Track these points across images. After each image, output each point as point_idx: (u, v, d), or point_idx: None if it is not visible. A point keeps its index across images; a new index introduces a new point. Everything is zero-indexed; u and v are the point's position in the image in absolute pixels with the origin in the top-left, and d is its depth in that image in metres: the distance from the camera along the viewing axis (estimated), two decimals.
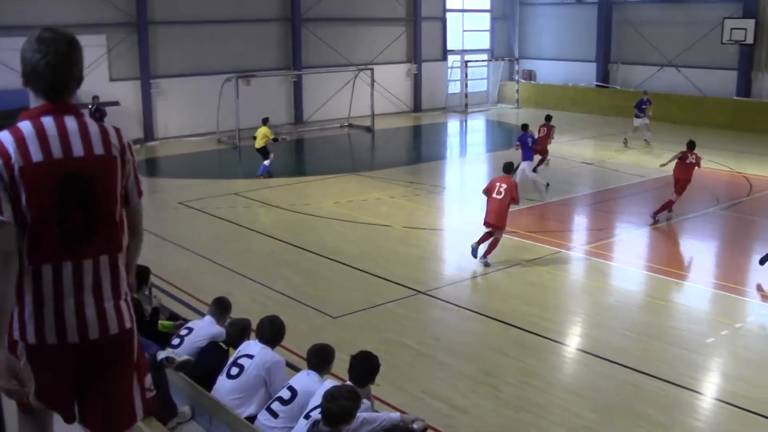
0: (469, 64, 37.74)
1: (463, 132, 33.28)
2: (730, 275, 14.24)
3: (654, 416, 8.93)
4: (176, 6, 28.33)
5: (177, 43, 28.51)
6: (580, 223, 18.56)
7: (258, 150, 22.16)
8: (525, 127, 20.22)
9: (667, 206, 17.24)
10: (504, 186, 13.97)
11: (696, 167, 17.17)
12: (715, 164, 23.68)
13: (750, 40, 31.41)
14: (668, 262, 15.04)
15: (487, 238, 14.26)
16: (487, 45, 40.03)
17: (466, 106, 37.04)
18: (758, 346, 11.03)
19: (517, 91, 38.65)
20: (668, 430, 8.69)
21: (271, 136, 21.94)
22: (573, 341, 11.38)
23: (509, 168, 14.80)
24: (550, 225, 17.49)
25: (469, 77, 37.72)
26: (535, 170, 20.69)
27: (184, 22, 28.50)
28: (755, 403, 9.20)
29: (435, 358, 10.51)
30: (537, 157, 21.27)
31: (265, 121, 22.32)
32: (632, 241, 16.39)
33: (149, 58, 27.78)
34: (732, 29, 31.64)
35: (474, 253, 14.24)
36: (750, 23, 31.28)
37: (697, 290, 13.44)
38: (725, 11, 32.11)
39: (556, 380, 10.05)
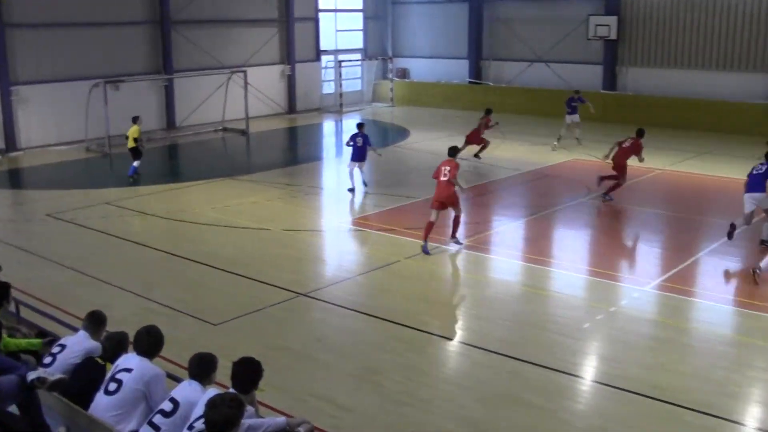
0: (342, 63, 37.83)
1: (339, 132, 33.30)
2: (604, 262, 14.78)
3: (537, 402, 9.15)
4: (36, 8, 27.09)
5: (39, 48, 27.24)
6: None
7: (130, 150, 21.68)
8: (360, 126, 20.45)
9: (616, 186, 18.84)
10: (448, 168, 15.04)
11: (634, 155, 18.72)
12: (587, 155, 24.57)
13: (614, 36, 32.82)
14: (544, 252, 15.47)
15: (429, 231, 14.96)
16: (360, 44, 40.19)
17: (341, 105, 37.08)
18: (632, 327, 11.48)
19: (392, 89, 38.98)
20: (552, 415, 8.92)
21: (137, 135, 21.58)
22: (455, 334, 11.53)
23: (453, 151, 15.65)
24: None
25: (343, 77, 37.81)
26: (477, 156, 23.91)
27: (45, 25, 27.27)
28: (630, 383, 9.58)
29: (318, 359, 10.45)
30: (474, 148, 23.94)
31: (135, 120, 21.81)
32: (508, 233, 16.78)
33: (7, 63, 26.46)
34: (597, 26, 32.97)
35: (425, 249, 14.87)
36: (613, 20, 32.68)
37: (572, 278, 13.85)
38: (590, 8, 33.44)
39: (440, 374, 10.16)
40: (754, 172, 15.07)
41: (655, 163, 22.47)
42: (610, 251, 15.56)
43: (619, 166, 18.69)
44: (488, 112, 24.58)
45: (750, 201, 14.95)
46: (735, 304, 12.61)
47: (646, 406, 9.11)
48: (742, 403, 9.38)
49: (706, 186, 21.47)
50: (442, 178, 15.06)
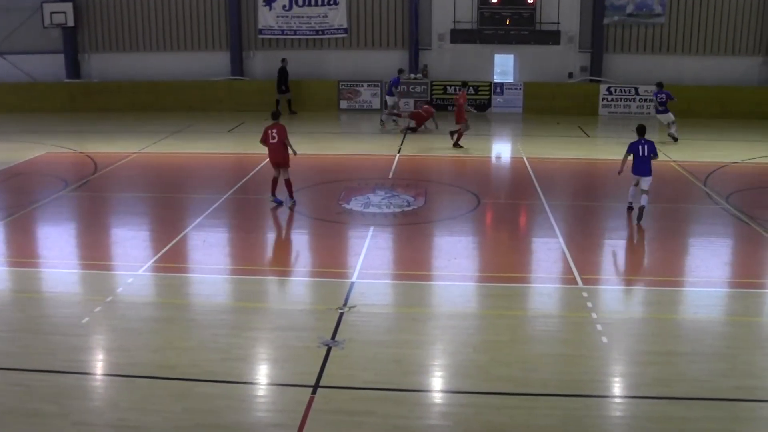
0: None
1: None
2: (93, 253, 14.46)
3: (50, 410, 8.67)
4: None
5: None
6: None
7: None
8: None
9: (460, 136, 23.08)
10: (275, 130, 16.68)
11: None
12: (59, 147, 23.67)
13: (71, 23, 31.83)
14: (28, 253, 14.57)
15: (275, 185, 16.89)
16: None
17: None
18: (132, 313, 11.46)
19: None
20: (65, 419, 8.54)
21: None
22: None
23: (276, 115, 17.24)
24: None
25: None
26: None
27: None
28: (140, 368, 9.61)
29: None
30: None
31: None
32: None
33: None
34: (52, 13, 31.63)
35: (277, 200, 16.99)
36: (68, 6, 31.69)
37: (63, 275, 13.31)
38: None
39: None
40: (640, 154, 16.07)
41: (122, 148, 22.62)
42: (98, 242, 15.24)
43: None
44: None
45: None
46: (271, 274, 13.39)
47: (159, 387, 9.23)
48: (248, 364, 10.03)
49: (183, 163, 22.27)
50: (271, 141, 16.63)
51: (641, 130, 16.42)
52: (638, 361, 10.04)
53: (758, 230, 15.79)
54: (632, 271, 13.67)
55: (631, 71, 30.38)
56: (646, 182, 16.15)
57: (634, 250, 14.90)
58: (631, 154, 16.18)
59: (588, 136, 25.51)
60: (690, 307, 12.13)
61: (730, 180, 20.30)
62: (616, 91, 30.04)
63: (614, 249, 15.12)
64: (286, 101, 30.32)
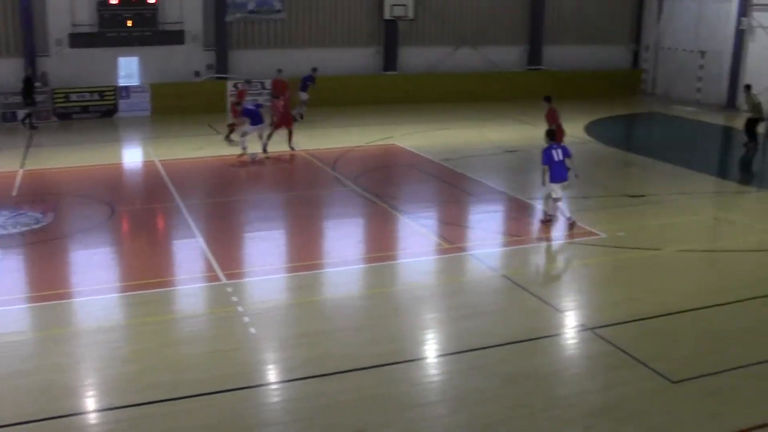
0: None
1: None
2: None
3: None
4: None
5: None
6: None
7: None
8: None
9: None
10: None
11: None
12: None
13: None
14: None
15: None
16: None
17: None
18: None
19: None
20: None
21: None
22: None
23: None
24: None
25: None
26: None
27: None
28: None
29: None
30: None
31: None
32: None
33: None
34: None
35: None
36: None
37: None
38: None
39: None
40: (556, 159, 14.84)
41: None
42: None
43: None
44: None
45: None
46: None
47: None
48: None
49: None
50: None
51: (552, 135, 15.66)
52: (288, 345, 10.36)
53: (385, 207, 17.01)
54: (274, 261, 13.95)
55: (258, 66, 30.96)
56: (561, 188, 15.14)
57: (273, 241, 15.22)
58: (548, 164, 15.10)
59: (219, 133, 25.57)
60: (331, 287, 12.76)
61: (356, 163, 21.64)
62: (271, 86, 30.21)
63: (254, 241, 15.32)
64: None
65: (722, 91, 32.53)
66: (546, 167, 15.01)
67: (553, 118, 20.33)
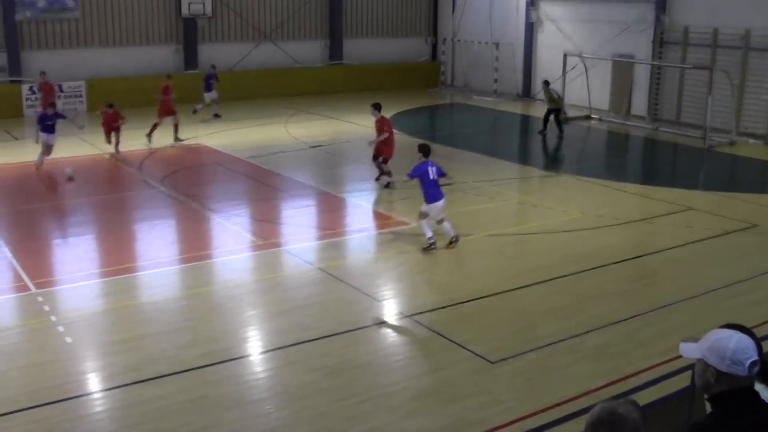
0: None
1: None
2: None
3: None
4: None
5: None
6: None
7: None
8: None
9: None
10: None
11: None
12: None
13: None
14: None
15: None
16: None
17: None
18: None
19: None
20: None
21: None
22: None
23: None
24: None
25: None
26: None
27: None
28: None
29: None
30: None
31: None
32: None
33: None
34: None
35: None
36: None
37: None
38: None
39: None
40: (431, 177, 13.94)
41: None
42: None
43: None
44: None
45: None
46: None
47: None
48: None
49: None
50: None
51: (426, 150, 14.48)
52: (107, 352, 10.25)
53: (196, 207, 17.01)
54: (86, 267, 13.63)
55: (52, 68, 29.50)
56: (439, 208, 14.12)
57: (84, 247, 14.86)
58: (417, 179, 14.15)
59: (16, 138, 24.39)
60: (146, 290, 12.70)
61: (163, 164, 21.39)
62: (38, 90, 28.84)
63: (65, 248, 14.91)
64: None
65: (518, 81, 34.60)
66: (413, 180, 14.24)
67: (386, 126, 18.74)
